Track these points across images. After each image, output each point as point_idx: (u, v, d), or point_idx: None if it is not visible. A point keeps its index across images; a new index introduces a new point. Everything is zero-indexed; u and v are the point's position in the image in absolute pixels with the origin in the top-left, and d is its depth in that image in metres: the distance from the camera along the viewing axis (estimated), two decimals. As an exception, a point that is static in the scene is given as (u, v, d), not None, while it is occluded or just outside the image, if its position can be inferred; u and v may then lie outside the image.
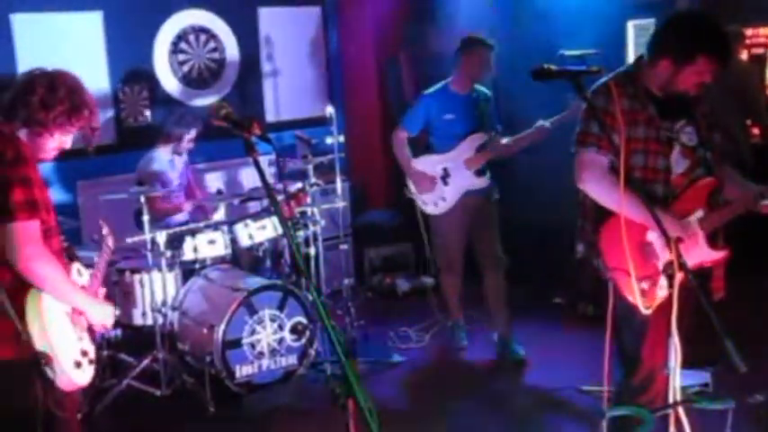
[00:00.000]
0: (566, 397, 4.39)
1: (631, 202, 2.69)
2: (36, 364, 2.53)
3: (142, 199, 4.52)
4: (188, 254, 4.77)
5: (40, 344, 2.54)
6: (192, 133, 5.23)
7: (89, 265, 3.01)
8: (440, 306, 5.48)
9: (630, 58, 5.56)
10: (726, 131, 3.81)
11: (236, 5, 6.44)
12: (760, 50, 6.04)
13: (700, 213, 2.92)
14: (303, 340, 4.65)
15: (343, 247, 5.64)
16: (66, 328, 2.66)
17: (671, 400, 2.67)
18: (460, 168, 4.88)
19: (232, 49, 6.44)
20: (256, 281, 4.68)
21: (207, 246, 4.82)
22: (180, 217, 5.21)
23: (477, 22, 6.28)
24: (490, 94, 5.02)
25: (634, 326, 2.97)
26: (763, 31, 6.02)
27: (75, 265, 2.82)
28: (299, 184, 5.33)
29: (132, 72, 5.91)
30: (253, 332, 4.49)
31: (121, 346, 4.90)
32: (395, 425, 4.18)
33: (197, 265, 4.84)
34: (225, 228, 4.94)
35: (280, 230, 4.92)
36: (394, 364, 4.99)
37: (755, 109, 5.62)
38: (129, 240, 4.56)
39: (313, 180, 5.36)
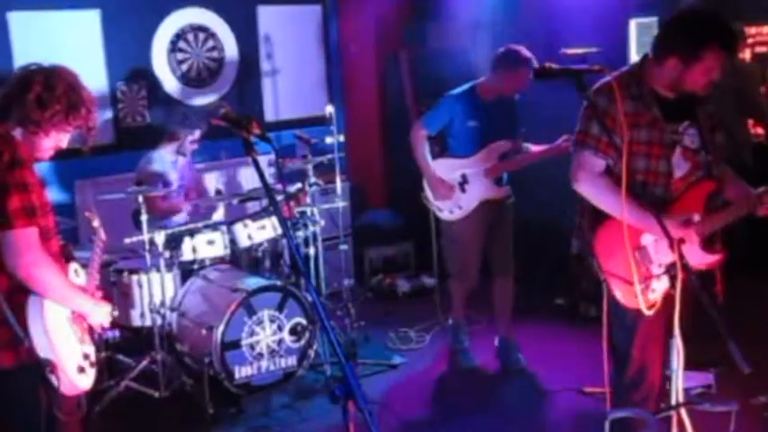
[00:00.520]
0: (567, 398, 4.37)
1: (630, 207, 2.71)
2: (40, 371, 2.50)
3: (140, 199, 4.49)
4: (187, 254, 4.74)
5: (43, 351, 2.50)
6: (197, 134, 5.19)
7: (86, 265, 2.98)
8: (442, 306, 5.45)
9: (633, 56, 5.53)
10: (727, 131, 3.78)
11: (236, 4, 6.40)
12: (763, 49, 6.02)
13: (696, 217, 2.90)
14: (302, 341, 4.62)
15: (343, 247, 5.61)
16: (68, 333, 2.64)
17: (673, 402, 2.66)
18: (480, 176, 4.67)
19: (231, 48, 6.41)
20: (256, 281, 4.66)
21: (206, 246, 4.79)
22: (179, 217, 5.18)
23: (478, 19, 6.26)
24: (517, 97, 4.71)
25: (625, 323, 3.03)
26: (766, 29, 5.99)
27: (73, 266, 2.78)
28: (299, 184, 5.31)
29: (131, 71, 5.88)
30: (252, 333, 4.47)
31: (120, 348, 4.88)
32: (395, 426, 4.19)
33: (196, 266, 4.81)
34: (224, 228, 4.91)
35: (279, 231, 4.89)
36: (394, 366, 4.97)
37: (757, 109, 5.59)
38: (127, 241, 4.54)
39: (313, 180, 5.34)
